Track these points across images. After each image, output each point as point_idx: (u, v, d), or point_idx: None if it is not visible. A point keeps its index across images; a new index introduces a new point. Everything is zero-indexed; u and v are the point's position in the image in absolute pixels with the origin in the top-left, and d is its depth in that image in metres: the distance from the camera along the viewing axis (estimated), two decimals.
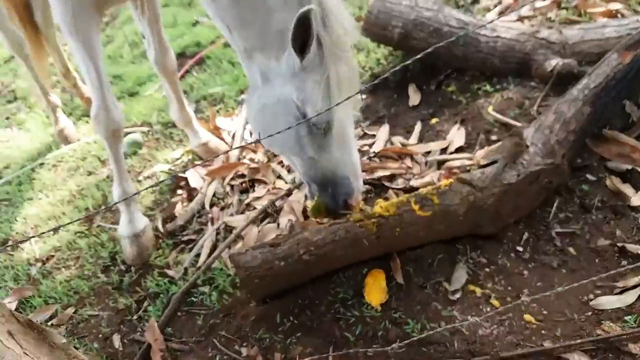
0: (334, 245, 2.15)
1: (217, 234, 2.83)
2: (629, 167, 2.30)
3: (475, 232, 2.24)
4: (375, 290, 2.21)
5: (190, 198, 3.17)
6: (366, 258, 2.24)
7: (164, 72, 3.03)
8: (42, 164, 3.85)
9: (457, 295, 2.13)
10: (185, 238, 2.89)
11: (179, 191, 3.25)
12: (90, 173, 3.61)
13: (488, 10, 3.46)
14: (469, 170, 2.64)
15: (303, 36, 1.72)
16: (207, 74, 4.17)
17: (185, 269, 2.63)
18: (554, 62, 2.83)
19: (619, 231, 2.15)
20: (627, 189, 2.25)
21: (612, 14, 3.01)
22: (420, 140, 2.99)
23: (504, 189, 2.13)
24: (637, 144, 2.32)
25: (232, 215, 2.90)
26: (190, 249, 2.82)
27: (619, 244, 2.09)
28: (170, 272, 2.69)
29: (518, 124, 2.74)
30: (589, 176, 2.37)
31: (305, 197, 2.68)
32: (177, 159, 3.46)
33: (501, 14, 3.38)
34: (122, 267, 2.81)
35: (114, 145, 2.65)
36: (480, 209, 2.13)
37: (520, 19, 3.27)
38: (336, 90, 1.87)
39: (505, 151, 2.15)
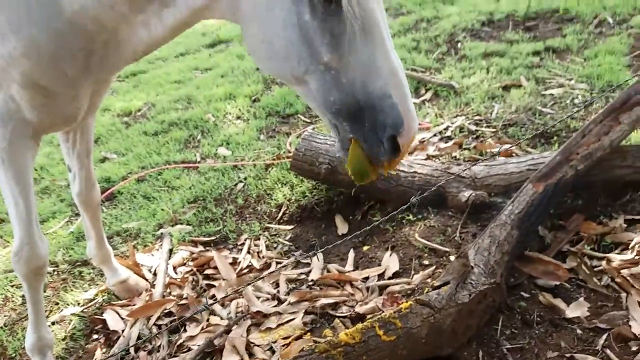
0: None
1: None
2: (556, 283, 2.54)
3: (434, 355, 2.25)
4: None
5: (109, 343, 2.84)
6: None
7: (87, 207, 2.86)
8: None
9: None
10: None
11: (95, 335, 2.91)
12: None
13: None
14: (410, 295, 2.74)
15: None
16: (120, 209, 3.98)
17: None
18: (467, 194, 3.14)
19: (563, 342, 2.30)
20: (560, 303, 2.46)
21: (508, 154, 3.49)
22: (356, 267, 3.05)
23: (459, 309, 2.22)
24: (558, 263, 2.58)
25: (163, 359, 2.64)
26: None
27: (567, 355, 2.22)
28: None
29: (446, 249, 2.94)
30: (523, 293, 2.56)
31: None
32: (91, 300, 3.14)
33: (410, 153, 3.75)
34: None
35: (34, 285, 2.36)
36: (440, 329, 2.18)
37: (429, 157, 3.65)
38: None
39: (455, 272, 2.28)
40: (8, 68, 1.90)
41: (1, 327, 3.04)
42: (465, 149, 3.73)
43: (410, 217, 3.24)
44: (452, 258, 2.86)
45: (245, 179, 4.09)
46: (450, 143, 3.77)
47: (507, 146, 3.54)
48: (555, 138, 3.74)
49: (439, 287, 2.26)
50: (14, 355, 2.82)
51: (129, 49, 1.94)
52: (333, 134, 1.65)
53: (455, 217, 3.17)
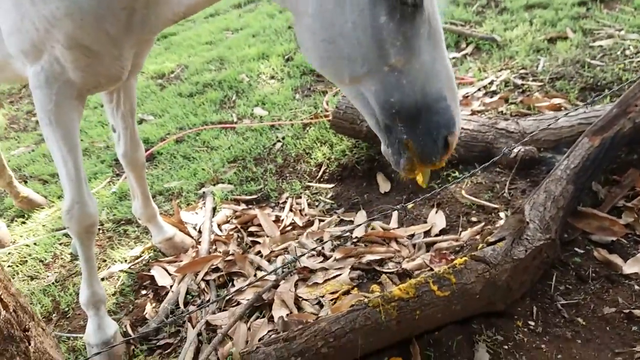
0: (353, 334, 2.02)
1: (199, 334, 2.57)
2: (612, 238, 2.46)
3: (487, 310, 2.23)
4: None
5: (157, 298, 2.89)
6: (385, 346, 2.12)
7: (133, 167, 2.87)
8: None
9: None
10: (162, 342, 2.59)
11: (143, 291, 2.96)
12: (33, 278, 3.20)
13: None
14: (458, 252, 2.70)
15: None
16: (160, 169, 4.01)
17: None
18: (516, 150, 3.05)
19: (620, 298, 2.24)
20: (616, 259, 2.39)
21: (557, 108, 3.36)
22: (401, 224, 3.02)
23: (514, 265, 2.17)
24: (614, 219, 2.50)
25: (213, 313, 2.67)
26: (168, 354, 2.53)
27: (625, 310, 2.17)
28: None
29: (494, 206, 2.88)
30: (577, 249, 2.50)
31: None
32: (137, 257, 3.19)
33: None
34: None
35: (86, 243, 2.40)
36: (494, 285, 2.14)
37: (474, 113, 3.55)
38: None
39: (511, 228, 2.22)
40: (52, 29, 1.90)
41: (53, 283, 3.12)
42: (511, 103, 3.60)
43: (457, 173, 3.17)
44: (501, 215, 2.80)
45: (283, 138, 4.05)
46: (495, 98, 3.65)
47: (557, 100, 3.40)
48: (606, 91, 3.58)
49: (494, 243, 2.21)
50: (66, 309, 2.90)
51: (168, 9, 1.94)
52: (382, 138, 1.64)
53: (504, 174, 3.09)
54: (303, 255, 1.80)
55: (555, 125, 3.08)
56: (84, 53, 1.98)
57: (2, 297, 0.80)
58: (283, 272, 2.77)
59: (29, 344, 0.85)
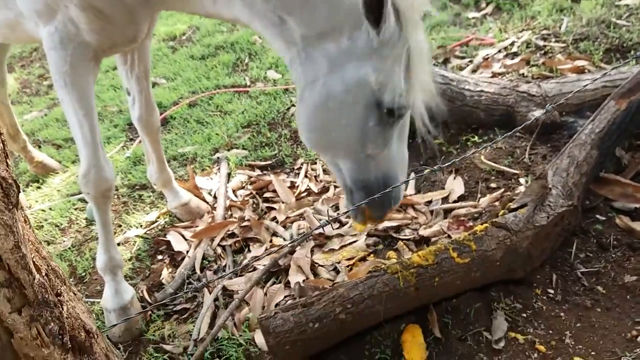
0: (372, 300, 2.01)
1: (215, 300, 2.59)
2: (636, 205, 2.40)
3: (507, 278, 2.20)
4: (415, 347, 2.07)
5: (174, 264, 2.90)
6: (403, 312, 2.11)
7: (147, 130, 2.84)
8: None
9: (501, 345, 2.05)
10: (179, 307, 2.61)
11: (159, 256, 2.98)
12: (49, 243, 3.23)
13: (461, 68, 3.63)
14: (477, 219, 2.66)
15: (377, 5, 1.52)
16: (174, 134, 3.98)
17: (195, 342, 2.34)
18: (538, 113, 2.97)
19: None
20: (639, 227, 2.33)
21: (580, 70, 3.25)
22: (418, 190, 2.98)
23: (536, 231, 2.13)
24: (638, 185, 2.44)
25: (230, 278, 2.68)
26: (185, 319, 2.55)
27: None
28: (168, 347, 2.39)
29: (514, 171, 2.82)
30: (598, 216, 2.45)
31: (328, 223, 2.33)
32: (153, 222, 3.19)
33: (474, 71, 3.55)
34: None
35: (103, 207, 2.39)
36: (515, 252, 2.11)
37: (494, 75, 3.44)
38: (418, 65, 1.64)
39: (533, 194, 2.17)
40: None
41: (69, 248, 3.14)
42: (533, 65, 3.49)
43: (476, 138, 3.10)
44: (521, 180, 2.75)
45: None
46: (517, 59, 3.54)
47: (580, 62, 3.29)
48: (632, 52, 3.45)
49: (515, 209, 2.16)
50: (83, 274, 2.93)
51: None
52: (346, 196, 2.04)
53: (524, 138, 3.02)
54: (325, 224, 1.87)
55: (578, 88, 2.98)
56: (97, 15, 1.94)
57: (34, 260, 0.79)
58: (299, 239, 2.76)
59: (62, 309, 0.84)
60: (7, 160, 0.79)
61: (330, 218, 1.98)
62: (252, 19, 1.81)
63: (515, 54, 3.73)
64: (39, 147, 4.30)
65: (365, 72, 1.67)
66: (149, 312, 2.58)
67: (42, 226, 3.36)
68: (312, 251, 2.70)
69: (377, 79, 1.66)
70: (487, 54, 3.71)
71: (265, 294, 2.54)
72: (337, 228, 2.82)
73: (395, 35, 1.63)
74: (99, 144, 2.23)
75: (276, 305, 2.45)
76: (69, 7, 1.90)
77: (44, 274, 0.83)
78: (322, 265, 2.61)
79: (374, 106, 1.70)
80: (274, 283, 2.59)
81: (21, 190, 3.47)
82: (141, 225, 3.20)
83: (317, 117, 1.81)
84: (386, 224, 2.74)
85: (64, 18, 1.95)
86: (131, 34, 2.09)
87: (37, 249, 0.82)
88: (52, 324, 0.79)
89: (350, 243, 2.70)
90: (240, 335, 2.35)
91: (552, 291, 2.22)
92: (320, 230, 2.77)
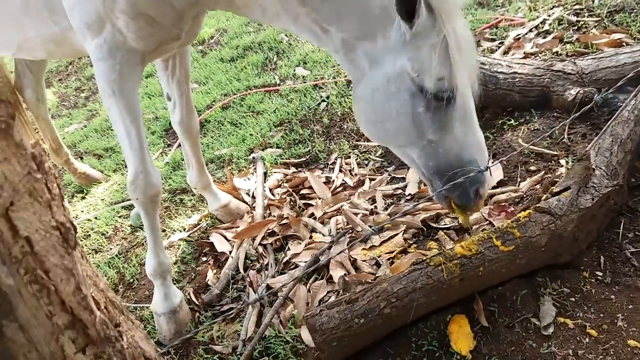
0: (416, 293, 2.01)
1: (260, 299, 2.62)
2: None
3: (553, 262, 2.16)
4: (462, 338, 2.06)
5: (218, 264, 2.96)
6: (448, 303, 2.10)
7: (188, 134, 2.89)
8: None
9: (550, 330, 2.02)
10: (225, 307, 2.67)
11: (204, 258, 3.04)
12: (97, 251, 3.34)
13: (492, 51, 3.56)
14: (518, 203, 2.62)
15: (409, 1, 1.59)
16: (210, 137, 4.04)
17: (244, 342, 2.39)
18: (574, 92, 2.89)
19: None
20: None
21: (617, 44, 3.14)
22: None
23: (581, 214, 2.08)
24: None
25: (273, 276, 2.72)
26: (232, 319, 2.60)
27: None
28: (217, 348, 2.45)
29: (554, 153, 2.75)
30: None
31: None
32: (195, 225, 3.26)
33: (505, 53, 3.48)
34: (159, 349, 2.53)
35: (151, 212, 2.44)
36: (561, 237, 2.07)
37: (527, 55, 3.37)
38: (456, 52, 1.66)
39: (577, 176, 2.12)
40: (118, 0, 1.90)
41: (116, 255, 3.24)
42: (567, 42, 3.39)
43: (512, 121, 3.04)
44: (561, 162, 2.68)
45: (327, 97, 3.99)
46: (549, 38, 3.44)
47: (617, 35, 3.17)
48: None
49: (558, 193, 2.12)
50: (131, 280, 3.01)
51: None
52: (428, 185, 2.04)
53: (562, 118, 2.94)
54: (370, 234, 1.93)
55: (616, 63, 2.88)
56: (148, 22, 1.99)
57: (93, 295, 0.81)
58: (337, 237, 2.77)
59: (122, 340, 0.86)
60: (64, 204, 0.81)
61: (375, 228, 1.99)
62: (299, 30, 1.93)
63: (547, 32, 3.63)
64: (81, 158, 4.44)
65: (402, 62, 1.74)
66: (197, 314, 2.65)
67: (89, 235, 3.48)
68: (351, 247, 2.70)
69: (413, 67, 1.72)
70: (518, 34, 3.63)
71: (309, 291, 2.56)
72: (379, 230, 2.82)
73: (429, 27, 1.68)
74: (145, 150, 2.27)
75: (320, 301, 2.47)
76: (119, 17, 1.95)
77: (102, 307, 0.85)
78: (363, 260, 2.62)
79: (418, 93, 1.75)
80: (315, 279, 2.61)
81: (68, 202, 3.59)
82: (184, 229, 3.27)
83: (369, 111, 1.90)
84: (423, 215, 2.72)
85: (113, 29, 2.00)
86: (175, 32, 2.12)
87: (95, 283, 0.85)
88: (114, 359, 0.82)
89: (390, 238, 2.70)
90: (287, 333, 2.38)
91: (600, 273, 2.16)
92: (359, 228, 2.78)
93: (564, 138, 2.82)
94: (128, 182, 2.31)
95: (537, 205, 2.08)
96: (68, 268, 0.72)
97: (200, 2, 2.00)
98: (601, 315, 2.03)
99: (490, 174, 1.94)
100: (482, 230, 2.17)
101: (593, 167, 2.16)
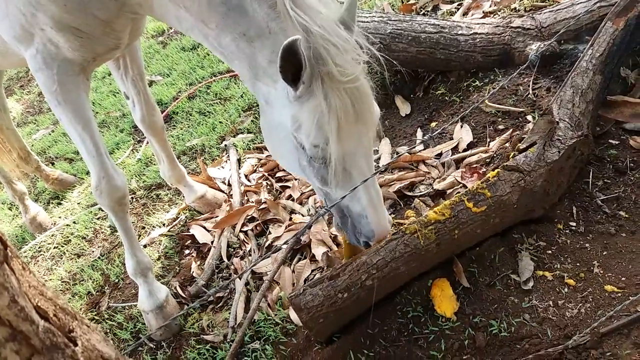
0: (395, 263, 2.04)
1: (246, 284, 2.64)
2: None
3: (526, 218, 2.20)
4: (445, 300, 2.11)
5: (201, 256, 2.96)
6: (428, 269, 2.14)
7: (152, 131, 2.86)
8: None
9: (530, 285, 2.07)
10: (212, 297, 2.68)
11: (186, 251, 3.04)
12: (79, 255, 3.32)
13: (452, 14, 3.55)
14: (489, 164, 2.65)
15: (295, 65, 1.56)
16: (179, 129, 4.00)
17: (234, 328, 2.41)
18: (535, 47, 2.91)
19: None
20: None
21: None
22: (427, 146, 2.96)
23: (549, 168, 2.12)
24: None
25: (256, 261, 2.73)
26: (221, 308, 2.62)
27: None
28: (208, 337, 2.46)
29: (521, 110, 2.78)
30: (611, 141, 2.42)
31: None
32: (175, 219, 3.25)
33: (465, 14, 3.47)
34: (152, 345, 2.55)
35: (120, 215, 2.43)
36: (532, 192, 2.11)
37: (486, 15, 3.37)
38: (335, 122, 1.63)
39: (541, 131, 2.15)
40: (37, 13, 1.86)
41: (99, 258, 3.22)
42: None
43: (477, 82, 3.06)
44: (528, 117, 2.71)
45: None
46: None
47: None
48: None
49: (525, 149, 2.15)
50: (116, 280, 3.00)
51: None
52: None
53: (525, 74, 2.97)
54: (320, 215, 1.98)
55: (573, 14, 2.90)
56: (75, 34, 1.93)
57: (39, 305, 0.81)
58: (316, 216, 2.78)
59: (76, 346, 0.86)
60: None
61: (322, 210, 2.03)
62: (211, 47, 1.89)
63: None
64: (52, 163, 4.37)
65: (286, 117, 1.74)
66: (185, 306, 2.66)
67: (70, 240, 3.45)
68: (329, 224, 2.72)
69: (293, 125, 1.72)
70: None
71: (293, 271, 2.58)
72: None
73: (312, 93, 1.64)
74: (104, 154, 2.24)
75: (305, 280, 2.49)
76: (45, 29, 1.91)
77: (51, 315, 0.85)
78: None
79: (300, 148, 1.77)
80: (299, 260, 2.63)
81: (44, 210, 3.54)
82: (164, 224, 3.26)
83: (268, 141, 2.00)
84: (398, 184, 2.75)
85: (42, 39, 1.95)
86: (112, 43, 2.08)
87: (41, 292, 0.84)
88: None
89: None
90: (276, 315, 2.41)
91: (574, 224, 2.22)
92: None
93: (529, 94, 2.85)
94: (92, 188, 2.29)
95: (505, 163, 2.11)
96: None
97: (124, 11, 1.94)
98: (577, 264, 2.09)
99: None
100: (456, 194, 2.20)
101: (557, 120, 2.19)
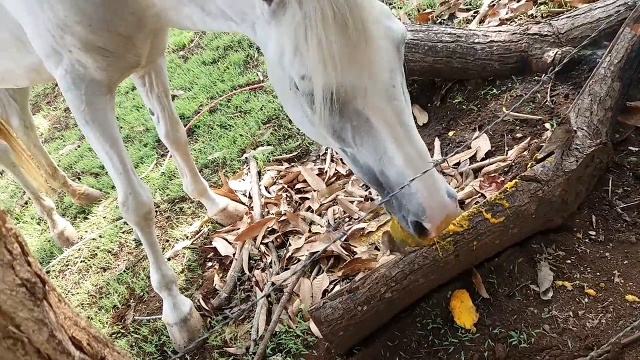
0: (414, 275, 2.05)
1: (268, 297, 2.68)
2: None
3: (545, 228, 2.19)
4: (465, 312, 2.11)
5: (223, 268, 3.01)
6: (447, 280, 2.15)
7: (176, 146, 2.92)
8: (47, 272, 3.60)
9: (550, 295, 2.06)
10: (235, 310, 2.72)
11: (209, 263, 3.09)
12: (105, 269, 3.40)
13: (468, 22, 3.55)
14: (507, 172, 2.64)
15: None
16: (201, 142, 4.07)
17: (256, 341, 2.45)
18: (552, 53, 2.90)
19: None
20: None
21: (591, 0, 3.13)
22: (445, 154, 2.97)
23: (567, 177, 2.11)
24: None
25: (277, 273, 2.77)
26: (242, 320, 2.66)
27: None
28: (231, 350, 2.51)
29: (538, 117, 2.77)
30: (631, 148, 2.40)
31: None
32: (197, 232, 3.31)
33: (481, 22, 3.47)
34: (177, 358, 2.61)
35: (146, 229, 2.49)
36: (550, 202, 2.10)
37: (502, 22, 3.36)
38: (314, 36, 1.27)
39: (558, 140, 2.15)
40: (65, 35, 1.93)
41: (124, 271, 3.30)
42: (541, 3, 3.38)
43: (494, 90, 3.05)
44: (546, 125, 2.70)
45: None
46: (522, 1, 3.42)
47: None
48: None
49: (542, 159, 2.14)
50: (141, 294, 3.07)
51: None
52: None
53: (543, 82, 2.95)
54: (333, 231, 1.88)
55: (591, 19, 2.88)
56: (101, 54, 2.00)
57: (73, 335, 0.84)
58: (336, 229, 2.81)
59: None
60: (29, 258, 0.84)
61: (332, 227, 1.95)
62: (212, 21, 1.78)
63: None
64: (79, 178, 4.48)
65: (271, 48, 1.44)
66: (208, 319, 2.70)
67: (96, 254, 3.53)
68: (350, 237, 2.74)
69: (276, 54, 1.40)
70: (492, 2, 3.61)
71: (313, 283, 2.61)
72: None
73: (289, 3, 1.32)
74: (130, 171, 2.31)
75: (324, 292, 2.52)
76: (72, 51, 1.98)
77: (85, 345, 0.89)
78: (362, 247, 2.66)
79: (295, 86, 1.43)
80: (318, 272, 2.66)
81: (71, 224, 3.63)
82: (187, 237, 3.32)
83: (287, 111, 1.65)
84: None
85: (71, 60, 2.03)
86: (133, 60, 2.14)
87: (75, 322, 0.88)
88: None
89: (387, 222, 2.73)
90: (297, 327, 2.44)
91: (593, 233, 2.20)
92: (357, 216, 2.83)
93: (547, 101, 2.83)
94: (119, 204, 2.35)
95: (523, 173, 2.11)
96: (39, 319, 0.76)
97: (144, 24, 1.99)
98: (598, 273, 2.07)
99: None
100: (475, 204, 2.20)
101: (574, 129, 2.18)
